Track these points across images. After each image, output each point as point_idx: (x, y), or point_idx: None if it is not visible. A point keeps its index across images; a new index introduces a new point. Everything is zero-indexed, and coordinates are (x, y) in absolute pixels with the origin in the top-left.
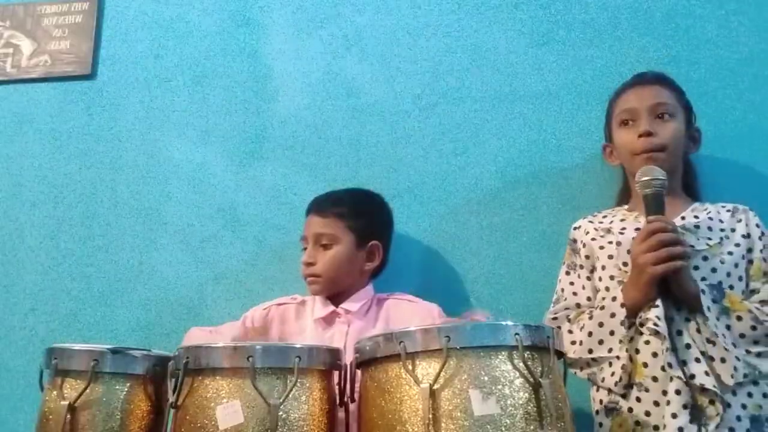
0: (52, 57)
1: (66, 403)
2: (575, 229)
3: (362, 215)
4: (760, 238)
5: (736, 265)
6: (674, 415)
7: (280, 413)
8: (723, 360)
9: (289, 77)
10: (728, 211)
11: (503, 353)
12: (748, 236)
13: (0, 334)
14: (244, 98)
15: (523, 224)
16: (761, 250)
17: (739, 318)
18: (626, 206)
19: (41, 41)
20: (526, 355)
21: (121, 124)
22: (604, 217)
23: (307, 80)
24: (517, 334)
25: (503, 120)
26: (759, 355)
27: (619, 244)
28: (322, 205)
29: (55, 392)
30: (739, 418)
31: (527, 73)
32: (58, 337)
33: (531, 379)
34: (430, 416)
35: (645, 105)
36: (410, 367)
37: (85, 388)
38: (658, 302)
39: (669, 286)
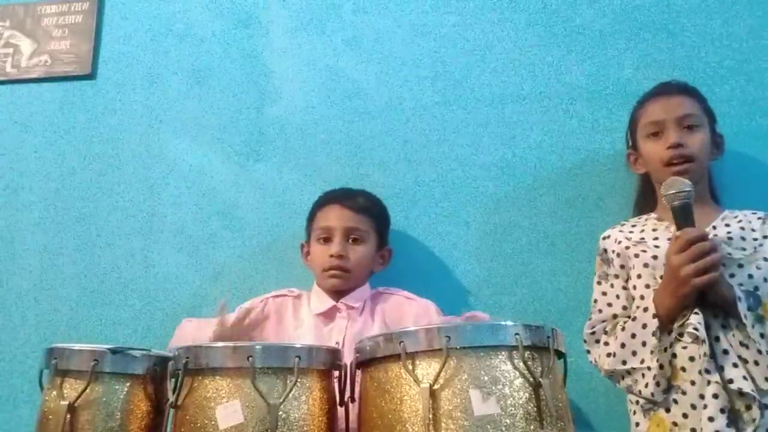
0: (52, 57)
1: (66, 403)
2: (604, 239)
3: (385, 219)
4: None
5: None
6: (711, 419)
7: (280, 413)
8: (756, 363)
9: (289, 77)
10: (759, 218)
11: (503, 353)
12: None
13: (0, 334)
14: (244, 98)
15: (523, 224)
16: None
17: None
18: (654, 215)
19: (41, 41)
20: (526, 355)
21: (121, 124)
22: (633, 226)
23: (307, 81)
24: (517, 334)
25: (503, 120)
26: None
27: (655, 258)
28: (352, 200)
29: (55, 392)
30: None
31: (527, 73)
32: (58, 337)
33: (531, 379)
34: (430, 416)
35: (672, 116)
36: (410, 367)
37: (85, 388)
38: (698, 310)
39: (705, 294)
